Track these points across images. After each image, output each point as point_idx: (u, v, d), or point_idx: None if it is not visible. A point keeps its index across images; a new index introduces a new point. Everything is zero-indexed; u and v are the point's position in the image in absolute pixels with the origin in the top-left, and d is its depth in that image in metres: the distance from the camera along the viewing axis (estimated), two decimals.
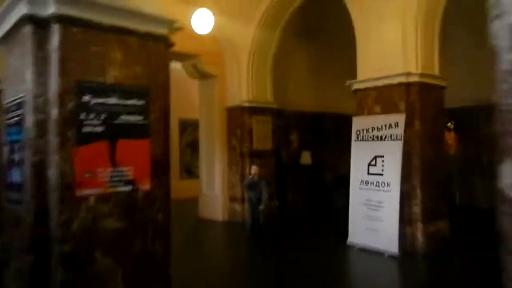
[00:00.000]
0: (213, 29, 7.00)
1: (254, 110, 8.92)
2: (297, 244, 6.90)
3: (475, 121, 9.64)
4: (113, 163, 2.96)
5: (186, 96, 12.32)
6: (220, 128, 9.23)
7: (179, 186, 12.57)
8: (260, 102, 9.02)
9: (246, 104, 8.85)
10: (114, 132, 2.96)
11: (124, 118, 3.01)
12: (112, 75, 2.94)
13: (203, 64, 8.85)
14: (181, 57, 8.79)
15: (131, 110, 3.05)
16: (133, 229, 3.04)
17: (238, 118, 8.99)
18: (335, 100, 10.86)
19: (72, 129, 2.76)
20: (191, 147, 12.81)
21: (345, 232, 6.62)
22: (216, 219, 9.14)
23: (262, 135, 9.05)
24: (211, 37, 8.56)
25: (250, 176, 7.46)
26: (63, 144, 2.73)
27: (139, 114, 3.09)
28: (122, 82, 2.99)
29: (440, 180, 6.40)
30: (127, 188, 3.03)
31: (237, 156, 9.00)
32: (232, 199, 9.02)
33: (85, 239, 2.79)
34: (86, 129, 2.83)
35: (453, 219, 6.56)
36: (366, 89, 6.61)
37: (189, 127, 12.83)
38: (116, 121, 2.97)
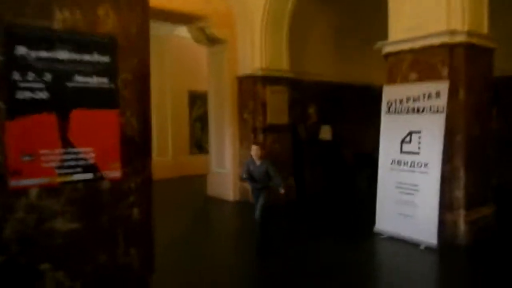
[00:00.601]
0: None
1: (268, 80, 8.00)
2: (316, 230, 6.11)
3: None
4: (65, 142, 2.15)
5: (196, 66, 11.54)
6: (231, 100, 8.35)
7: (189, 162, 11.98)
8: (275, 71, 8.07)
9: (259, 73, 7.93)
10: (66, 100, 2.14)
11: (80, 80, 2.18)
12: (61, 18, 2.09)
13: (211, 27, 7.86)
14: (186, 18, 7.84)
15: (89, 70, 2.20)
16: (95, 231, 2.26)
17: (250, 88, 8.10)
18: (358, 69, 9.84)
19: (0, 94, 1.95)
20: (202, 120, 12.16)
21: (371, 217, 5.79)
22: (225, 198, 8.44)
23: (277, 107, 8.15)
24: None
25: (249, 160, 5.29)
26: None
27: (102, 75, 2.25)
28: (76, 28, 2.14)
29: (485, 160, 5.45)
30: (87, 176, 2.23)
31: (249, 130, 8.16)
32: None
33: (25, 247, 2.03)
34: (23, 95, 2.01)
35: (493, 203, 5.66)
36: (400, 52, 5.58)
37: (199, 99, 12.14)
38: (69, 84, 2.14)
